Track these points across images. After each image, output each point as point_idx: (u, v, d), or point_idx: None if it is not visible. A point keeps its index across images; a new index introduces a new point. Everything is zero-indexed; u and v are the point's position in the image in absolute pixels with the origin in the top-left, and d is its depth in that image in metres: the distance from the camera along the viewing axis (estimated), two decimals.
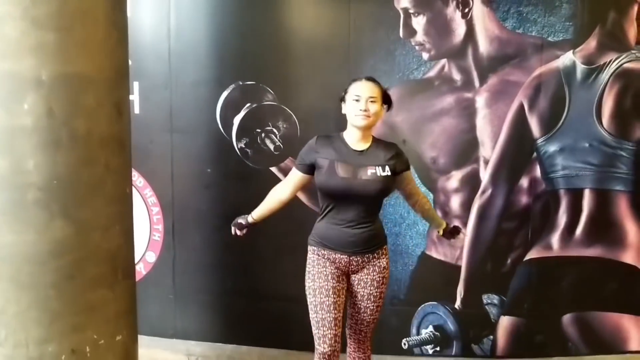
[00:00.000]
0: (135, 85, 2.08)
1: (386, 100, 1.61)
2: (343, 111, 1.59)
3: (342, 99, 1.60)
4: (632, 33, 2.03)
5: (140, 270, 2.19)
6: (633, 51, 2.02)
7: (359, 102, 1.54)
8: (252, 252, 2.10)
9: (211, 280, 2.17)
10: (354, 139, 1.59)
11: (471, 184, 2.03)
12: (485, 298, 2.10)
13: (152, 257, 2.20)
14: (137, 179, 2.13)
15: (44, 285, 1.05)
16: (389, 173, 1.58)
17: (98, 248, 1.12)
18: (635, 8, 2.00)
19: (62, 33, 1.03)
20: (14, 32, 0.98)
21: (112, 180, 1.14)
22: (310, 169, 1.60)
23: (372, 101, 1.54)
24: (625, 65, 2.01)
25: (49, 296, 1.05)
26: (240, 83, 2.04)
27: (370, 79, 1.61)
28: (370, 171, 1.56)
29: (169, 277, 2.19)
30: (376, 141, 1.63)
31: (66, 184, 1.06)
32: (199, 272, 2.18)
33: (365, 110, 1.53)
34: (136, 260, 2.15)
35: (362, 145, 1.59)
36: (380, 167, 1.57)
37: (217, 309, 2.20)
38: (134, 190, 2.02)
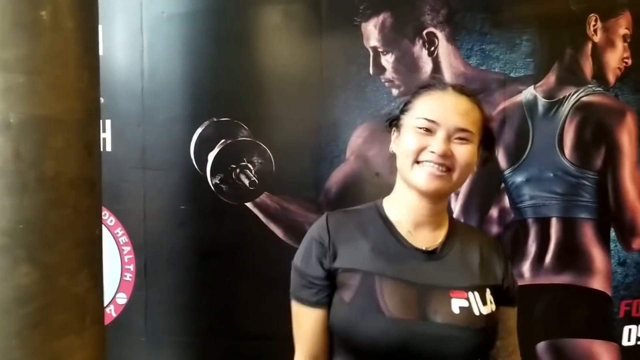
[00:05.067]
0: (108, 123, 2.07)
1: (487, 137, 0.87)
2: (392, 149, 0.88)
3: (394, 122, 0.87)
4: (588, 68, 2.14)
5: (111, 312, 2.12)
6: (590, 85, 2.13)
7: (431, 134, 0.80)
8: (226, 291, 2.06)
9: (184, 320, 2.11)
10: (412, 219, 0.84)
11: None
12: None
13: (123, 299, 2.13)
14: (108, 217, 2.09)
15: (7, 334, 1.00)
16: (493, 307, 0.81)
17: (65, 293, 1.08)
18: (590, 45, 2.12)
19: (32, 76, 1.02)
20: None
21: (80, 222, 1.12)
22: (327, 295, 0.87)
23: (460, 138, 0.81)
24: (583, 98, 2.12)
25: (11, 346, 1.01)
26: (215, 119, 2.05)
27: (460, 89, 0.89)
28: (456, 303, 0.78)
29: (141, 319, 2.12)
30: (457, 227, 0.89)
31: (33, 227, 1.03)
32: (171, 313, 2.12)
33: (442, 156, 0.79)
34: (106, 303, 2.08)
35: (431, 237, 0.85)
36: (476, 294, 0.80)
37: (190, 351, 2.13)
38: (104, 229, 1.97)
